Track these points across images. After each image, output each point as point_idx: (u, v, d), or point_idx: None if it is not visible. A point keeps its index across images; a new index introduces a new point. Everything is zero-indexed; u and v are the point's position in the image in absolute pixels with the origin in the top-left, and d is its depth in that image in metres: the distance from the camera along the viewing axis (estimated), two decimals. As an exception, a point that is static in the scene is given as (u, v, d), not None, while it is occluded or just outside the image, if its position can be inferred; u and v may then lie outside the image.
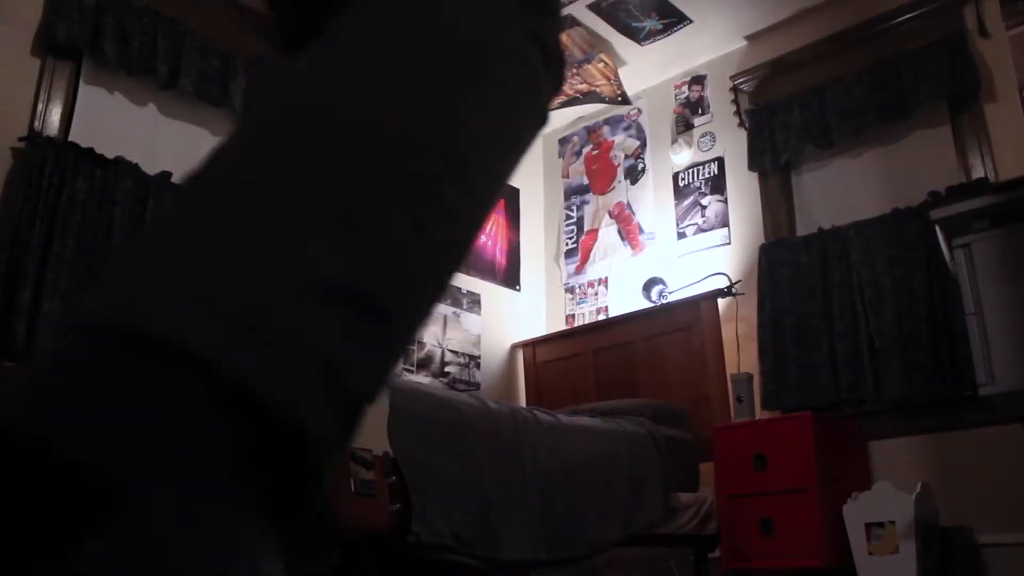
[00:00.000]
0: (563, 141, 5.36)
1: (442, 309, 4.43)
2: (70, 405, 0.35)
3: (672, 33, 4.49)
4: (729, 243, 4.37)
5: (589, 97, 4.94)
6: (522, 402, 4.65)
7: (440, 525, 2.39)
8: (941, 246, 2.78)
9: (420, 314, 0.46)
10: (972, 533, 3.18)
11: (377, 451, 2.12)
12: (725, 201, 4.45)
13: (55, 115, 3.29)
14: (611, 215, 4.96)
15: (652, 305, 4.45)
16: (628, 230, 4.85)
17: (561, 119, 5.30)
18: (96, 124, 3.44)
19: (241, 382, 0.36)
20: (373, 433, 2.15)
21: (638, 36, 4.51)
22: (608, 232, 4.95)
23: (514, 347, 4.87)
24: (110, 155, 3.33)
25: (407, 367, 4.28)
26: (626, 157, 4.99)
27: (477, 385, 4.53)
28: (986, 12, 3.69)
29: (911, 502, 3.01)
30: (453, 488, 2.47)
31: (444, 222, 0.46)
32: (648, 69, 4.79)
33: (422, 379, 4.27)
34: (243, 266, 0.39)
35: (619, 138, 5.06)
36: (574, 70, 4.67)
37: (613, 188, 5.00)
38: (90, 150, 3.27)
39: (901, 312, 3.58)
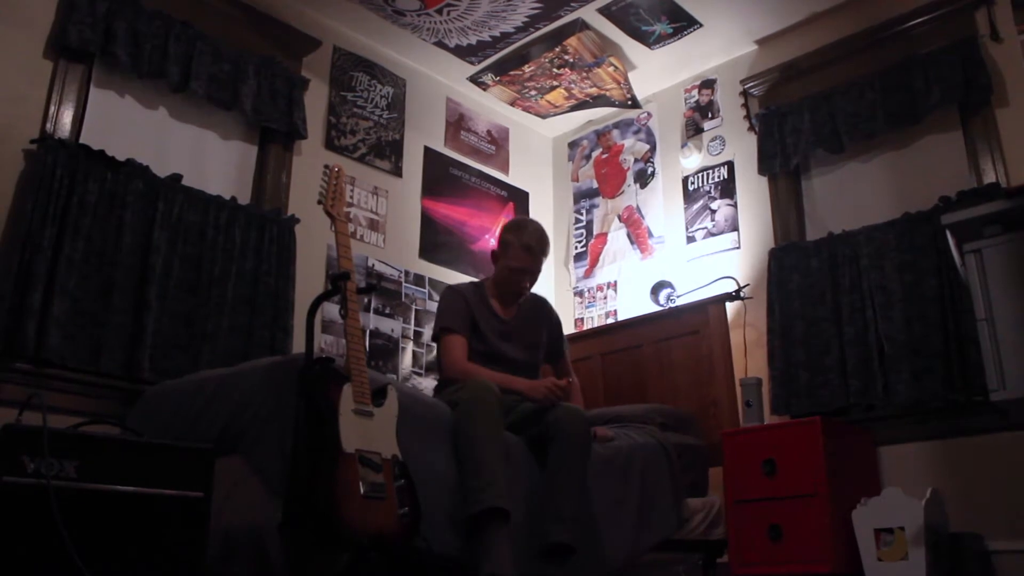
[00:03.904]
0: (573, 145, 5.36)
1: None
2: None
3: (682, 37, 4.48)
4: (739, 247, 4.36)
5: (599, 101, 4.94)
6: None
7: (445, 533, 2.37)
8: (952, 251, 2.77)
9: None
10: (982, 539, 3.16)
11: (386, 454, 2.12)
12: (735, 205, 4.44)
13: (67, 117, 3.30)
14: (620, 219, 4.96)
15: (661, 309, 4.44)
16: (637, 234, 4.85)
17: (571, 123, 5.30)
18: (107, 127, 3.46)
19: None
20: (382, 437, 2.15)
21: (648, 40, 4.51)
22: (617, 236, 4.94)
23: (523, 350, 4.86)
24: (121, 157, 3.35)
25: (416, 371, 4.29)
26: (636, 161, 4.98)
27: (485, 388, 4.52)
28: (999, 16, 3.67)
29: (921, 508, 3.00)
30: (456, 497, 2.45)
31: None
32: (658, 73, 4.79)
33: (432, 382, 4.27)
34: None
35: (629, 142, 5.06)
36: (584, 73, 4.67)
37: (623, 192, 5.00)
38: (101, 152, 3.29)
39: (911, 317, 3.57)
